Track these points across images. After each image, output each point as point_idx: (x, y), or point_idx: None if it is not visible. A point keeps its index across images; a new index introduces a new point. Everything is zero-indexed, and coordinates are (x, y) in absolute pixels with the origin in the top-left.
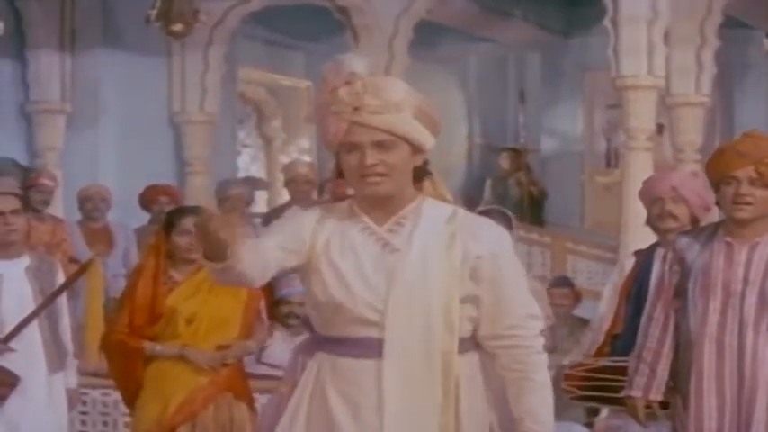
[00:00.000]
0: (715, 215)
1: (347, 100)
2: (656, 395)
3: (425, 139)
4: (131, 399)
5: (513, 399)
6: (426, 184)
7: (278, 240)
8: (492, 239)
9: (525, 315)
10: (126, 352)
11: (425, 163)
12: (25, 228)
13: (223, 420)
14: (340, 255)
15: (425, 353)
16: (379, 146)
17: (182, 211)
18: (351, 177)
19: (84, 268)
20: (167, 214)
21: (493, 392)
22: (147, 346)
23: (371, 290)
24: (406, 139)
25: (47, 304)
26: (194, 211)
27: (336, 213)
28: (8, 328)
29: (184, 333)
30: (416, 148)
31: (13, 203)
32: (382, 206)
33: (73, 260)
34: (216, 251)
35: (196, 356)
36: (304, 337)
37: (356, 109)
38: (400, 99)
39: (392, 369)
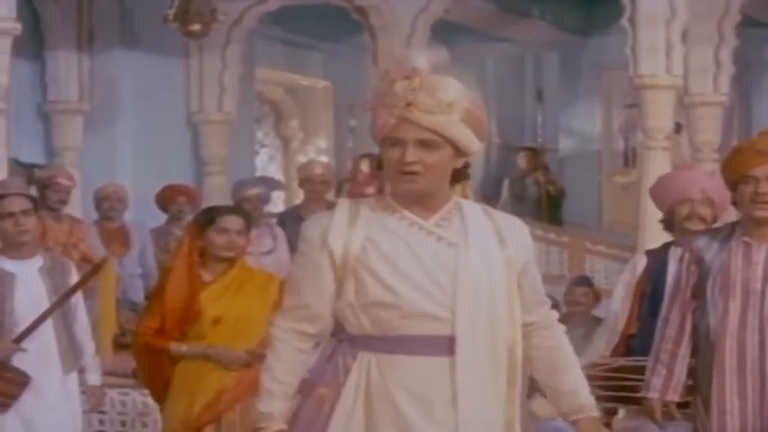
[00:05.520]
0: (731, 215)
1: (402, 94)
2: (673, 396)
3: (471, 143)
4: (160, 398)
5: (551, 374)
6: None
7: (315, 294)
8: (527, 234)
9: (546, 299)
10: (152, 353)
11: (466, 166)
12: (37, 228)
13: (252, 422)
14: (393, 250)
15: (493, 347)
16: (423, 144)
17: (221, 210)
18: (389, 171)
19: (97, 267)
20: (205, 211)
21: None
22: (173, 346)
23: (437, 286)
24: (450, 142)
25: (59, 304)
26: (234, 210)
27: (369, 208)
28: (22, 329)
29: (210, 334)
30: (459, 152)
31: (24, 204)
32: (422, 202)
33: (86, 259)
34: None
35: (220, 355)
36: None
37: (408, 105)
38: (453, 100)
39: (465, 365)
